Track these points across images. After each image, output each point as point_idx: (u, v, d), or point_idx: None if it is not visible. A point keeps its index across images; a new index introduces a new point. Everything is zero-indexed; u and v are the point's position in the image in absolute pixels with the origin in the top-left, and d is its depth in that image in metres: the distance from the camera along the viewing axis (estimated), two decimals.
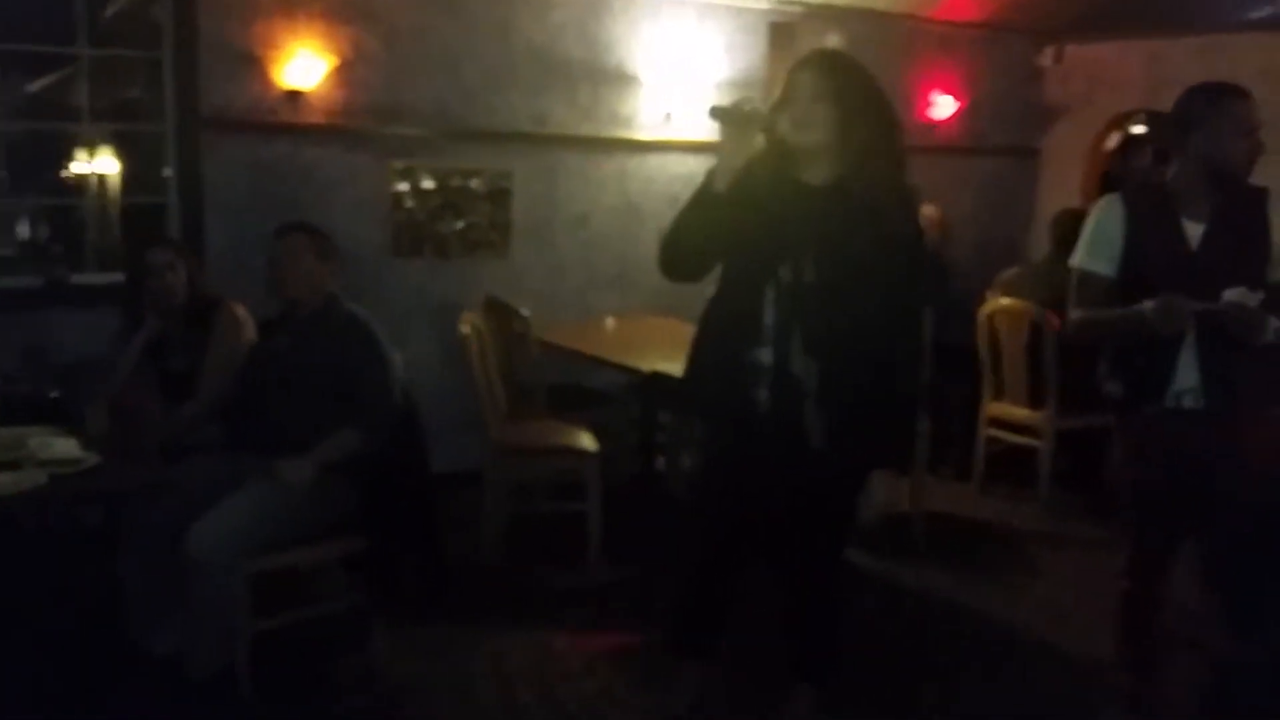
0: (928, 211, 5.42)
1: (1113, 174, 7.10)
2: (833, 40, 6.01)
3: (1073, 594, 3.99)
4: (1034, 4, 6.62)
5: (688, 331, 5.01)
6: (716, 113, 2.35)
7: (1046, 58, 7.14)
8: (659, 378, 4.08)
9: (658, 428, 5.00)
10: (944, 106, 6.64)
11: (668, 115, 5.51)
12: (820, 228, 2.35)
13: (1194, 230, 2.67)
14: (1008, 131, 7.11)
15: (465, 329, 4.07)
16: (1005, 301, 5.01)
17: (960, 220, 6.30)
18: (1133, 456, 2.84)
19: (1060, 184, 7.19)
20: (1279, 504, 2.85)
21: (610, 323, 5.23)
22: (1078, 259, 2.80)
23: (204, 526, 2.86)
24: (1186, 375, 2.65)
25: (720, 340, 2.48)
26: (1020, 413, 4.95)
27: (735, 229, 2.35)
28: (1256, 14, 6.09)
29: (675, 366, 4.13)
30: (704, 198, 2.37)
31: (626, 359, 4.48)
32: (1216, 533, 2.79)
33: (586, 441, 4.13)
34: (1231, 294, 2.52)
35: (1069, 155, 7.13)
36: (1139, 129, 7.50)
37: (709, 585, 2.73)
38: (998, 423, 5.08)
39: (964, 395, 5.23)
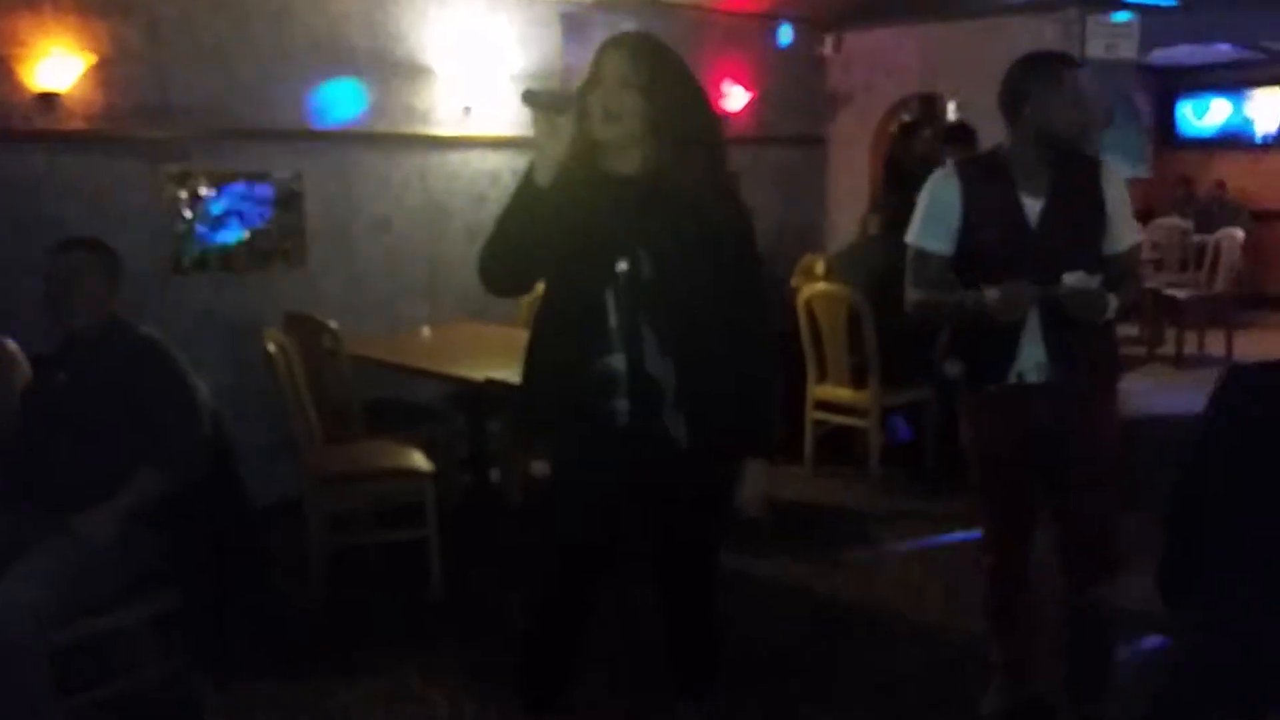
0: None
1: (894, 159, 7.37)
2: (628, 27, 5.93)
3: (921, 569, 4.01)
4: None
5: (509, 336, 4.93)
6: (530, 97, 2.11)
7: (827, 47, 7.33)
8: (493, 386, 3.82)
9: (488, 438, 4.73)
10: (735, 97, 6.67)
11: (467, 109, 5.24)
12: (647, 222, 2.16)
13: (1032, 205, 2.56)
14: (795, 121, 7.24)
15: (271, 348, 3.67)
16: (822, 286, 5.04)
17: (756, 209, 6.33)
18: (979, 432, 2.76)
19: (849, 170, 7.40)
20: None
21: (425, 332, 4.91)
22: (912, 236, 2.66)
23: None
24: (1031, 353, 2.58)
25: (562, 348, 2.23)
26: (844, 393, 4.99)
27: (562, 227, 2.13)
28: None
29: (507, 373, 3.94)
30: (525, 194, 2.12)
31: (452, 369, 4.19)
32: (1072, 503, 2.71)
33: (418, 461, 3.81)
34: (1071, 279, 2.44)
35: (855, 142, 7.35)
36: (908, 115, 7.85)
37: (558, 630, 2.45)
38: (823, 405, 5.11)
39: (786, 380, 5.23)
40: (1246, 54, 9.58)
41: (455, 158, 5.27)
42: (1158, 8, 6.32)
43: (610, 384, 2.18)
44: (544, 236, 2.13)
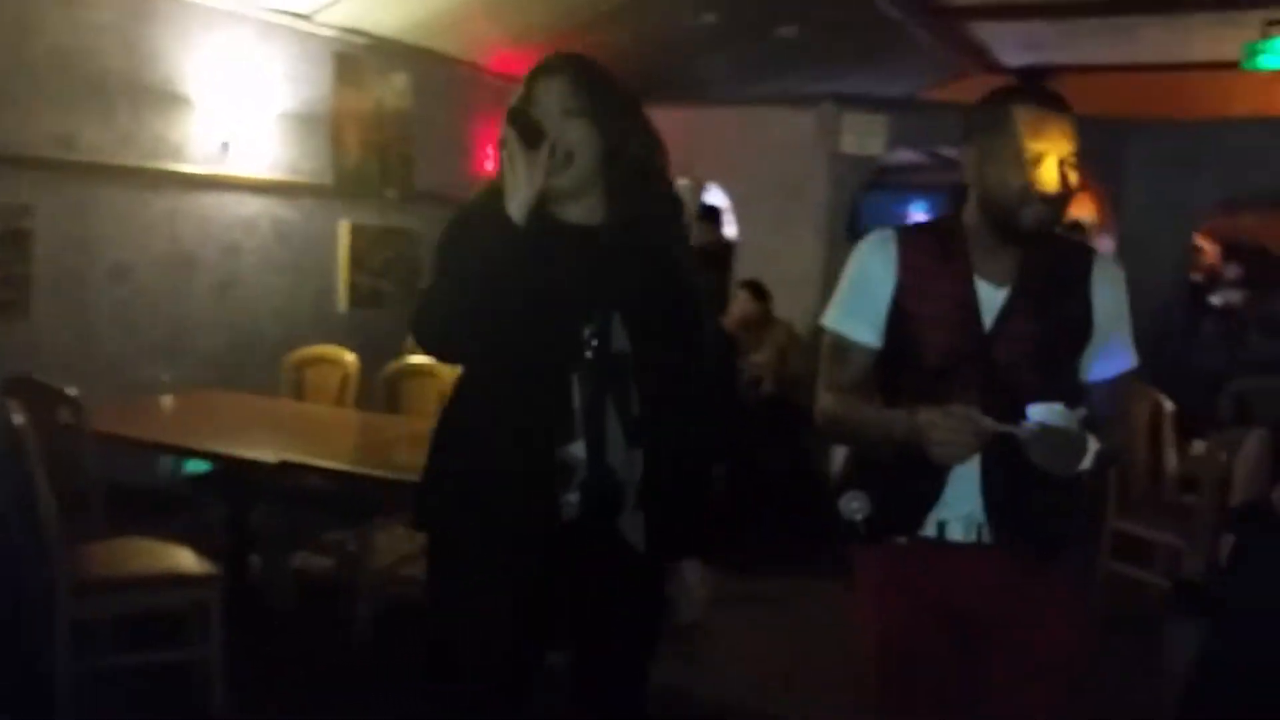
0: None
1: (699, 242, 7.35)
2: (400, 79, 5.52)
3: (753, 652, 3.83)
4: None
5: (269, 408, 4.32)
6: (517, 116, 1.73)
7: None
8: (290, 470, 3.26)
9: (251, 529, 4.06)
10: None
11: (225, 145, 4.59)
12: (615, 281, 1.82)
13: (991, 296, 1.83)
14: None
15: (18, 419, 2.90)
16: None
17: None
18: (880, 608, 1.95)
19: None
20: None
21: (168, 401, 4.15)
22: (830, 318, 1.93)
23: None
24: (960, 499, 1.83)
25: (507, 431, 1.81)
26: None
27: (514, 287, 1.73)
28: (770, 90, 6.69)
29: (304, 454, 3.39)
30: (494, 235, 1.74)
31: (218, 445, 3.55)
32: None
33: (191, 562, 3.15)
34: (1041, 413, 1.67)
35: None
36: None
37: None
38: None
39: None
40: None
41: (209, 200, 4.59)
42: (897, 108, 6.79)
43: (565, 475, 1.79)
44: (508, 291, 1.74)
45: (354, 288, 5.43)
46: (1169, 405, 4.37)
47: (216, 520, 4.04)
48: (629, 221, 1.81)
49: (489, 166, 6.33)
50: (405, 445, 3.76)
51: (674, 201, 1.95)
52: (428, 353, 1.93)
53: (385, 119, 5.52)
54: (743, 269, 6.55)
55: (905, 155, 9.90)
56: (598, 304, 1.80)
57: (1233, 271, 8.19)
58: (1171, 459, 4.36)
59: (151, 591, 3.09)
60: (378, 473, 3.35)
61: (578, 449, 1.78)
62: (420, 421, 4.22)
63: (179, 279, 4.49)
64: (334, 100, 5.15)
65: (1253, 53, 6.19)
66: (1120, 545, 4.23)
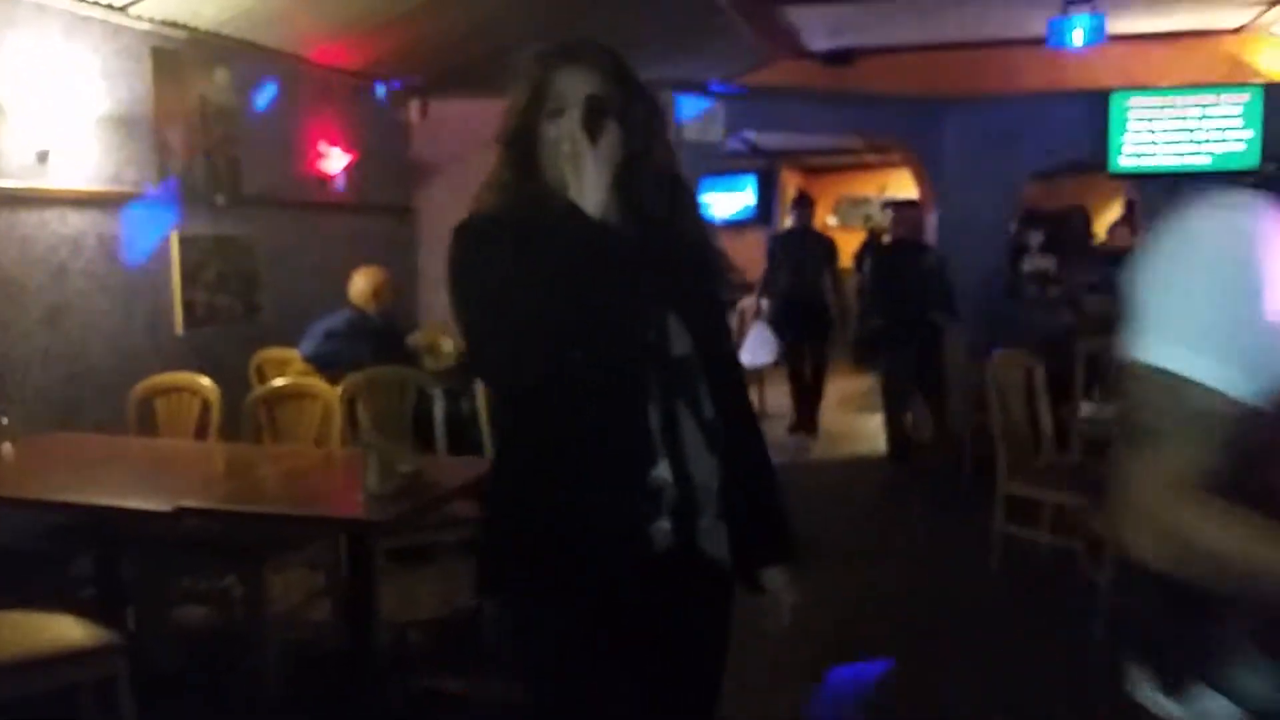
0: (372, 278, 4.79)
1: None
2: (222, 74, 5.06)
3: None
4: (396, 56, 6.32)
5: (124, 447, 3.82)
6: (589, 107, 1.54)
7: (413, 113, 6.89)
8: (190, 515, 2.89)
9: (123, 584, 3.59)
10: (336, 159, 5.98)
11: (43, 155, 4.04)
12: (663, 283, 1.67)
13: None
14: (384, 188, 6.70)
15: None
16: None
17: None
18: None
19: (441, 245, 6.91)
20: None
21: (8, 450, 3.61)
22: (1169, 354, 1.09)
23: None
24: None
25: (587, 460, 1.61)
26: None
27: (597, 295, 1.54)
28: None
29: (198, 498, 3.02)
30: (562, 234, 1.55)
31: (89, 495, 3.12)
32: None
33: (83, 633, 2.73)
34: None
35: (448, 216, 6.90)
36: None
37: None
38: None
39: None
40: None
41: (30, 218, 4.03)
42: (732, 94, 6.83)
43: (654, 500, 1.61)
44: (584, 302, 1.54)
45: (189, 306, 4.93)
46: (1041, 370, 4.58)
47: (82, 575, 3.57)
48: (658, 223, 1.67)
49: (322, 165, 5.93)
50: (298, 477, 3.44)
51: (699, 202, 1.84)
52: (502, 389, 1.73)
53: (210, 118, 5.04)
54: None
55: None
56: (653, 307, 1.65)
57: (1035, 239, 8.74)
58: (1048, 421, 4.57)
59: (35, 675, 2.64)
60: (296, 512, 3.04)
61: (663, 469, 1.61)
62: (303, 449, 3.88)
63: (2, 309, 3.92)
64: (154, 100, 4.64)
65: (1056, 30, 6.58)
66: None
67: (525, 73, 1.63)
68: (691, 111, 6.28)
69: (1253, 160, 6.95)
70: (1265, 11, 7.88)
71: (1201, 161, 6.99)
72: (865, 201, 14.58)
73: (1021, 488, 4.31)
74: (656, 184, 1.67)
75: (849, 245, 11.98)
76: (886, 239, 10.22)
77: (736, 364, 1.84)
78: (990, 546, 4.45)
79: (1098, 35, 6.43)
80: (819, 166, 14.46)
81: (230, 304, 5.25)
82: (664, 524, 1.62)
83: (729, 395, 1.73)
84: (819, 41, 8.79)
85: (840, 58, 9.04)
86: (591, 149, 1.52)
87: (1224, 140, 6.91)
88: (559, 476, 1.63)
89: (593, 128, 1.53)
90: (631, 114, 1.61)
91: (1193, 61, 8.15)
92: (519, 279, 1.52)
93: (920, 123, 7.48)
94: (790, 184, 13.99)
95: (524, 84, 1.63)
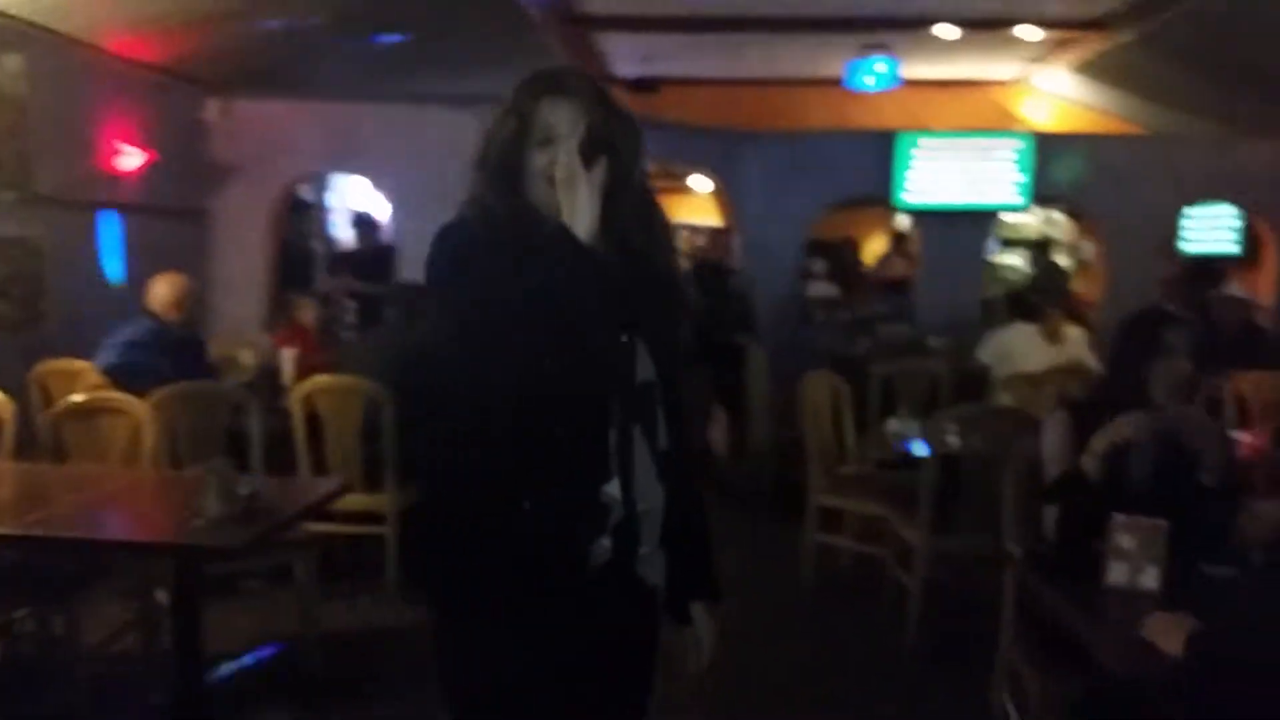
0: (174, 286, 4.53)
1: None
2: (12, 61, 4.68)
3: None
4: (198, 53, 6.03)
5: None
6: (590, 134, 1.58)
7: (213, 111, 6.56)
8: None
9: None
10: (132, 158, 5.62)
11: None
12: (632, 308, 1.70)
13: None
14: (177, 188, 6.33)
15: None
16: (325, 379, 4.45)
17: None
18: None
19: (239, 250, 6.67)
20: None
21: None
22: None
23: None
24: None
25: (554, 479, 1.63)
26: (357, 500, 4.44)
27: (557, 311, 1.55)
28: (440, 90, 6.50)
29: None
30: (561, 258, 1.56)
31: None
32: None
33: None
34: None
35: (246, 219, 6.66)
36: None
37: None
38: (327, 514, 4.47)
39: None
40: None
41: None
42: None
43: (600, 517, 1.65)
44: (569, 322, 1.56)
45: None
46: (847, 390, 4.86)
47: None
48: (634, 249, 1.70)
49: (117, 163, 5.55)
50: (111, 500, 3.21)
51: (672, 230, 1.87)
52: (473, 396, 1.65)
53: None
54: (408, 276, 6.30)
55: None
56: (627, 333, 1.69)
57: (819, 266, 9.24)
58: (851, 436, 4.86)
59: None
60: (116, 537, 2.84)
61: (613, 488, 1.64)
62: (112, 470, 3.61)
63: None
64: None
65: (853, 71, 7.01)
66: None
67: (512, 102, 1.65)
68: None
69: (1025, 202, 7.64)
70: (1031, 66, 8.70)
71: (979, 200, 7.61)
72: None
73: (831, 499, 4.57)
74: (636, 213, 1.70)
75: None
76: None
77: (682, 398, 1.86)
78: (802, 555, 4.67)
79: (893, 80, 6.90)
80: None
81: (12, 312, 4.83)
82: (605, 541, 1.65)
83: (678, 427, 1.77)
84: (627, 68, 9.00)
85: (647, 85, 9.29)
86: (586, 175, 1.54)
87: (999, 181, 7.54)
88: (508, 485, 1.62)
89: (589, 155, 1.55)
90: (618, 143, 1.63)
91: (968, 108, 8.88)
92: (502, 291, 1.53)
93: (725, 152, 7.77)
94: None
95: (510, 113, 1.64)
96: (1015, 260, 10.19)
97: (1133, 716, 2.30)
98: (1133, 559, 2.32)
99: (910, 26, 7.32)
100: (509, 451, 1.62)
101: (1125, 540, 2.33)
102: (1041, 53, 8.12)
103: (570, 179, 1.55)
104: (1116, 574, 2.34)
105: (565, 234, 1.54)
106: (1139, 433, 2.50)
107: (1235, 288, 7.59)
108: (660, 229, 1.77)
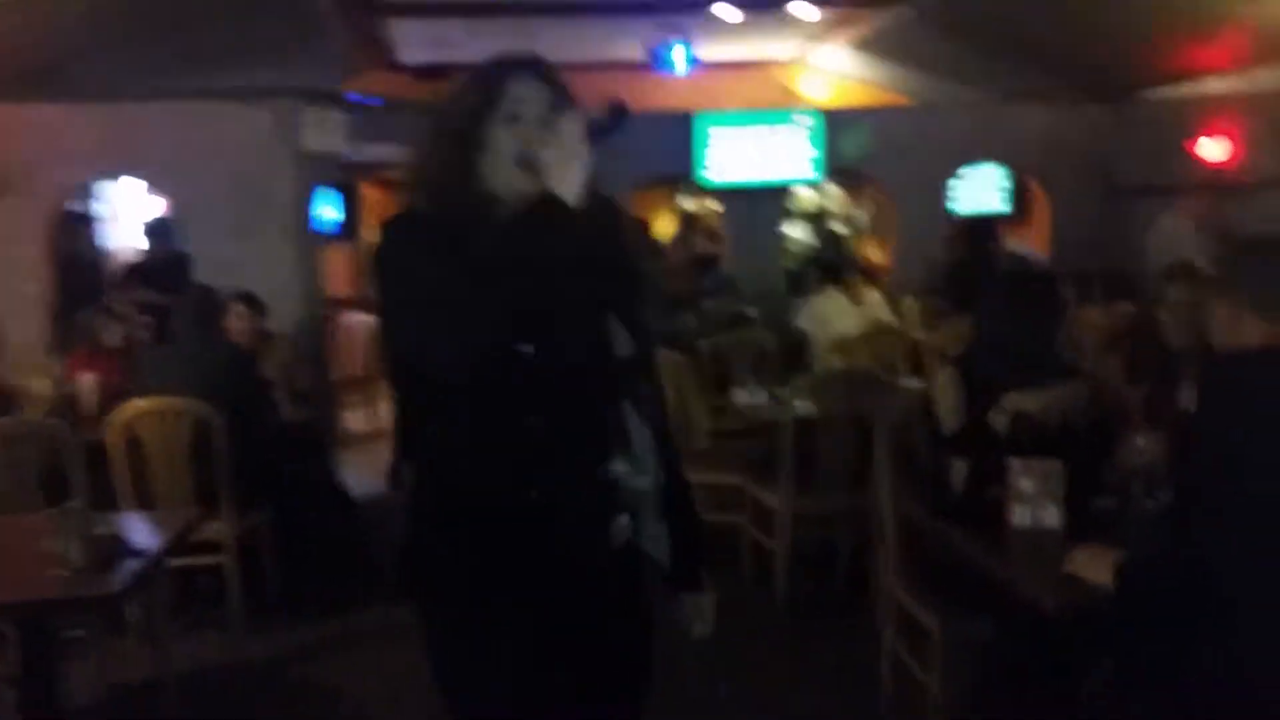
0: None
1: None
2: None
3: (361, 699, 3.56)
4: None
5: None
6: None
7: None
8: None
9: None
10: None
11: None
12: (609, 287, 1.69)
13: None
14: None
15: None
16: (146, 403, 4.06)
17: None
18: None
19: (10, 271, 5.98)
20: None
21: None
22: None
23: None
24: None
25: (561, 461, 1.60)
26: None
27: (525, 289, 1.53)
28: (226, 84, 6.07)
29: None
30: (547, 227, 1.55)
31: None
32: None
33: None
34: None
35: (16, 235, 5.98)
36: None
37: None
38: None
39: None
40: None
41: None
42: (366, 106, 6.58)
43: (613, 496, 1.62)
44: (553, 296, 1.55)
45: None
46: (685, 364, 4.91)
47: None
48: (599, 228, 1.65)
49: None
50: None
51: (627, 213, 1.92)
52: (444, 379, 1.56)
53: None
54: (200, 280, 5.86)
55: None
56: (600, 308, 1.67)
57: None
58: (699, 410, 4.91)
59: None
60: None
61: (619, 465, 1.62)
62: None
63: None
64: None
65: (659, 56, 7.08)
66: None
67: (477, 77, 1.62)
68: (314, 122, 5.96)
69: (819, 175, 7.94)
70: (811, 45, 9.06)
71: (775, 176, 7.86)
72: None
73: (688, 473, 4.59)
74: (594, 190, 1.65)
75: None
76: None
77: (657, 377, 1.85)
78: None
79: (695, 62, 7.01)
80: (393, 181, 14.28)
81: None
82: (623, 519, 1.64)
83: (660, 405, 1.76)
84: (415, 54, 8.73)
85: (435, 73, 9.04)
86: (574, 150, 1.54)
87: (793, 157, 7.80)
88: (514, 473, 1.57)
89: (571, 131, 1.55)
90: (576, 119, 1.61)
91: (756, 88, 9.16)
92: (461, 273, 1.47)
93: None
94: (370, 198, 13.68)
95: (475, 89, 1.61)
96: (796, 233, 10.59)
97: (1044, 653, 2.44)
98: (1034, 500, 2.46)
99: (696, 9, 7.46)
100: (505, 441, 1.57)
101: (1025, 483, 2.46)
102: (820, 31, 8.46)
103: (570, 156, 1.54)
104: (1020, 516, 2.46)
105: (536, 209, 1.50)
106: (1062, 403, 2.67)
107: (1011, 243, 8.24)
108: (618, 208, 1.76)
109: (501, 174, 1.57)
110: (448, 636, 1.64)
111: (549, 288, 1.51)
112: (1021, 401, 2.66)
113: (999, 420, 2.68)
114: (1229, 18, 6.22)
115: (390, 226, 1.60)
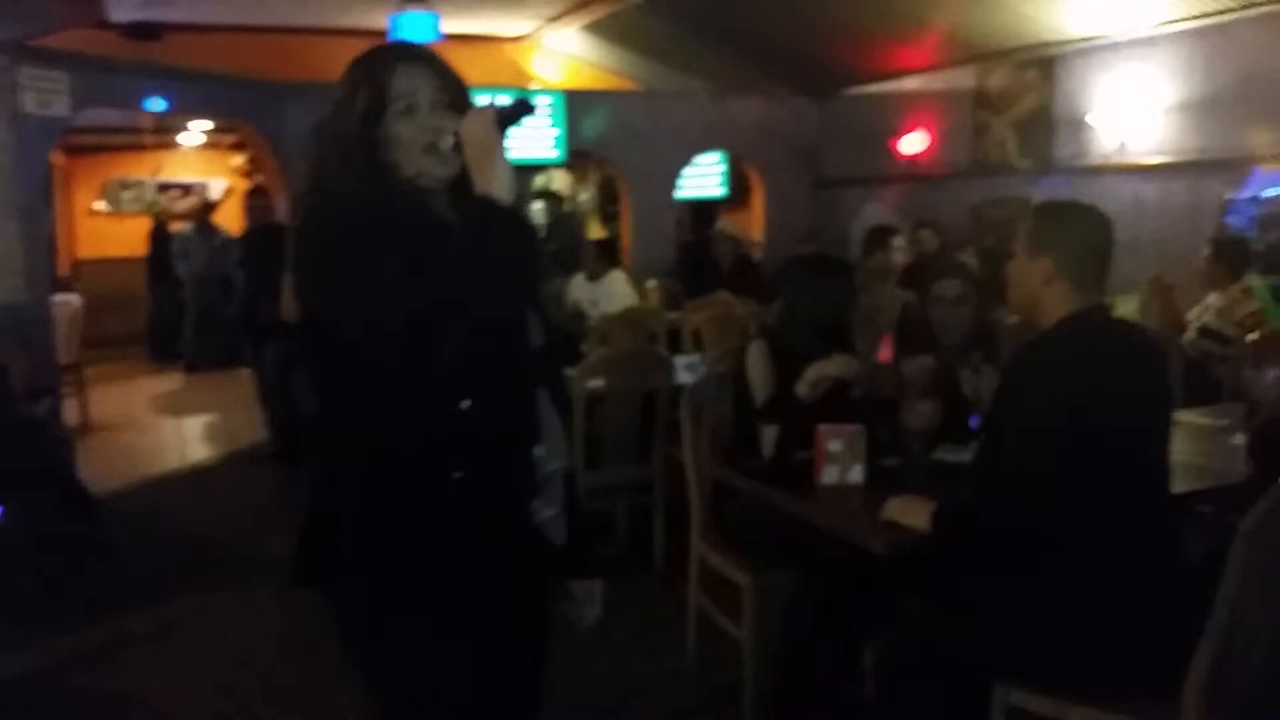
0: None
1: None
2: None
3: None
4: None
5: None
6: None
7: None
8: None
9: None
10: None
11: None
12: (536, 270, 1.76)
13: None
14: None
15: None
16: None
17: None
18: None
19: None
20: None
21: None
22: None
23: None
24: None
25: (490, 444, 1.61)
26: None
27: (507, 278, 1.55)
28: None
29: None
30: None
31: None
32: None
33: None
34: None
35: None
36: None
37: None
38: None
39: None
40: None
41: None
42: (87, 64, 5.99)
43: (533, 479, 1.69)
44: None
45: None
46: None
47: None
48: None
49: None
50: None
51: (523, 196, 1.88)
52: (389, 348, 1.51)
53: None
54: None
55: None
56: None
57: None
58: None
59: None
60: None
61: (540, 450, 1.69)
62: None
63: None
64: None
65: (397, 25, 6.96)
66: None
67: (358, 77, 1.59)
68: (33, 82, 5.38)
69: (561, 155, 8.11)
70: (542, 27, 9.17)
71: (522, 155, 7.94)
72: (139, 185, 13.53)
73: None
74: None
75: (128, 234, 11.34)
76: (181, 227, 9.73)
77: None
78: None
79: (435, 34, 6.95)
80: (83, 146, 12.99)
81: None
82: (538, 502, 1.70)
83: (564, 388, 1.82)
84: (123, 12, 8.02)
85: (146, 32, 8.36)
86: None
87: (538, 137, 7.93)
88: (439, 456, 1.58)
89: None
90: (463, 110, 1.60)
91: (488, 63, 9.15)
92: (388, 254, 1.47)
93: (265, 105, 7.32)
94: (53, 163, 12.41)
95: (361, 87, 1.57)
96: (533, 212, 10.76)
97: (849, 601, 2.75)
98: (841, 460, 2.76)
99: None
100: (433, 421, 1.58)
101: (834, 445, 2.75)
102: (557, 11, 8.59)
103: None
104: (829, 475, 2.75)
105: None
106: (847, 372, 2.98)
107: (728, 226, 8.82)
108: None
109: (414, 163, 1.59)
110: (380, 616, 1.63)
111: (511, 297, 1.57)
112: (824, 368, 2.97)
113: (803, 390, 2.98)
114: (925, 22, 6.96)
115: (318, 209, 1.57)
